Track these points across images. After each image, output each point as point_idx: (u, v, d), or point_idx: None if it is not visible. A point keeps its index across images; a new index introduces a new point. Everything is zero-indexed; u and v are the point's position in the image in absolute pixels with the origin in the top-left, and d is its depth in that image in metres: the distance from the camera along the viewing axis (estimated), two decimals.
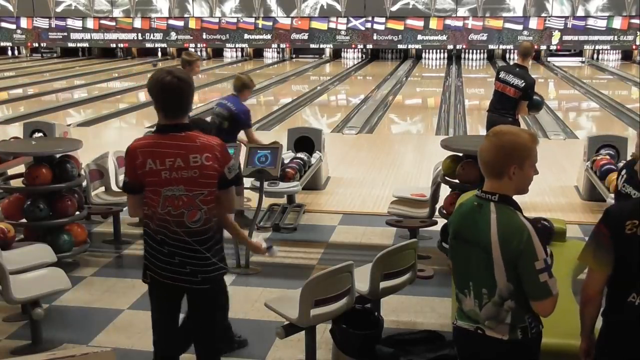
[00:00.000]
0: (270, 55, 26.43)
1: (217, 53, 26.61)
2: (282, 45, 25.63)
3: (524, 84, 6.93)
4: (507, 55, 24.29)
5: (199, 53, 26.63)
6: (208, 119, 6.43)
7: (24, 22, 27.12)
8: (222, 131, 6.16)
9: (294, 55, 26.05)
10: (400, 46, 24.96)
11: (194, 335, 3.32)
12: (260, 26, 25.41)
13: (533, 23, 23.81)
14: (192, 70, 6.48)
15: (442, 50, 24.80)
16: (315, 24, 25.00)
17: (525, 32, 23.81)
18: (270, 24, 25.31)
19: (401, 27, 24.55)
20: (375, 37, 24.85)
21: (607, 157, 6.84)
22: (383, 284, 3.98)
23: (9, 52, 27.90)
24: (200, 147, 3.03)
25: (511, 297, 2.46)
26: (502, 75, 7.17)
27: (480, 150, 2.52)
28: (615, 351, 2.48)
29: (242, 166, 5.60)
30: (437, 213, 5.70)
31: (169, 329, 3.32)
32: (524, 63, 7.11)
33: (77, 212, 5.51)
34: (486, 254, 2.45)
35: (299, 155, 7.11)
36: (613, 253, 2.43)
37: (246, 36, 25.60)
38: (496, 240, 2.42)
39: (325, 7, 24.91)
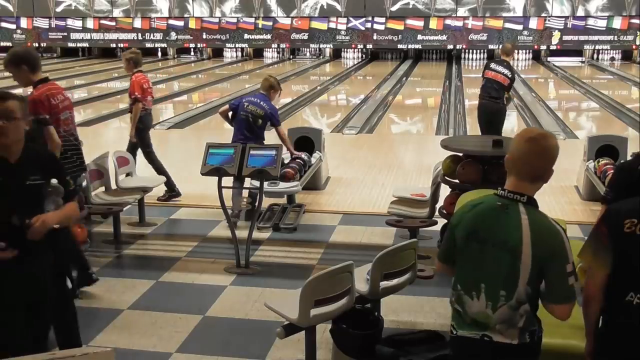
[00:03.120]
0: (270, 55, 26.43)
1: (217, 53, 26.61)
2: (282, 45, 25.63)
3: (511, 74, 8.28)
4: None
5: (199, 53, 26.71)
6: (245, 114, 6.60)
7: (24, 22, 27.13)
8: (254, 128, 6.59)
9: (291, 56, 26.04)
10: (400, 46, 24.96)
11: None
12: (260, 26, 25.40)
13: (533, 23, 23.81)
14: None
15: (442, 51, 24.83)
16: (315, 24, 25.00)
17: (525, 32, 23.82)
18: (270, 24, 25.31)
19: (401, 27, 24.55)
20: (375, 37, 24.85)
21: (608, 159, 6.89)
22: (383, 284, 3.98)
23: None
24: None
25: (528, 300, 2.44)
26: (492, 65, 8.42)
27: (520, 153, 2.47)
28: (614, 351, 2.47)
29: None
30: (437, 213, 5.70)
31: None
32: (507, 59, 8.47)
33: None
34: (512, 256, 2.41)
35: (300, 154, 7.10)
36: (612, 251, 2.42)
37: (246, 36, 25.60)
38: (528, 242, 2.39)
39: (325, 7, 24.91)
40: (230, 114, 6.73)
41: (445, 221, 5.47)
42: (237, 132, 6.63)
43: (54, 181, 3.23)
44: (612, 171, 6.54)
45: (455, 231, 2.58)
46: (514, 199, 2.45)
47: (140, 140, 7.03)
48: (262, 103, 6.63)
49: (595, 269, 2.49)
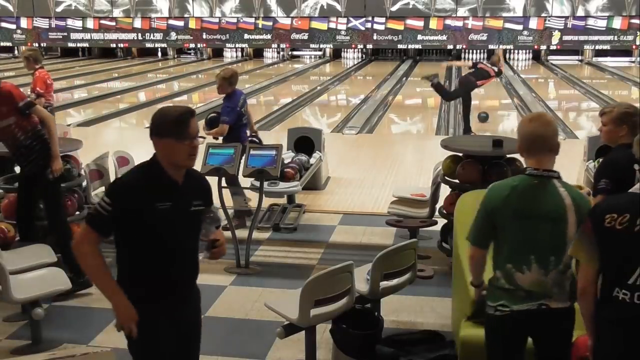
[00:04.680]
0: (270, 55, 26.43)
1: (217, 53, 26.61)
2: (282, 45, 25.63)
3: (498, 70, 10.91)
4: (507, 55, 24.30)
5: (199, 53, 26.71)
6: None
7: (24, 22, 27.12)
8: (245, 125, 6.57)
9: (289, 53, 26.03)
10: (400, 46, 24.97)
11: None
12: (260, 26, 25.41)
13: (533, 23, 23.82)
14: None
15: (442, 51, 24.83)
16: (315, 24, 25.00)
17: (525, 32, 23.82)
18: (270, 24, 25.31)
19: (401, 27, 24.55)
20: (375, 37, 24.85)
21: None
22: (383, 284, 3.98)
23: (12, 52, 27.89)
24: None
25: (571, 265, 2.68)
26: (484, 61, 12.06)
27: (532, 132, 2.75)
28: (607, 347, 2.48)
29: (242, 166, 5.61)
30: (437, 213, 5.70)
31: None
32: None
33: (77, 212, 5.50)
34: (559, 225, 2.67)
35: (298, 157, 7.08)
36: (597, 246, 2.47)
37: (246, 36, 25.60)
38: (572, 210, 2.67)
39: (325, 7, 24.91)
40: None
41: (445, 221, 5.49)
42: (244, 133, 6.57)
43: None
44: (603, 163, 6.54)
45: (496, 214, 2.75)
46: (547, 175, 2.72)
47: None
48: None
49: (585, 264, 2.54)
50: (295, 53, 26.33)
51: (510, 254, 2.74)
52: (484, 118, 11.88)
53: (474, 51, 24.55)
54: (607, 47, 23.73)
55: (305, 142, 7.57)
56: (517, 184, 2.73)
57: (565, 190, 2.72)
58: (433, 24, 24.34)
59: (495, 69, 10.91)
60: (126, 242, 2.77)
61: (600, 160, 6.88)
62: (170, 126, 2.64)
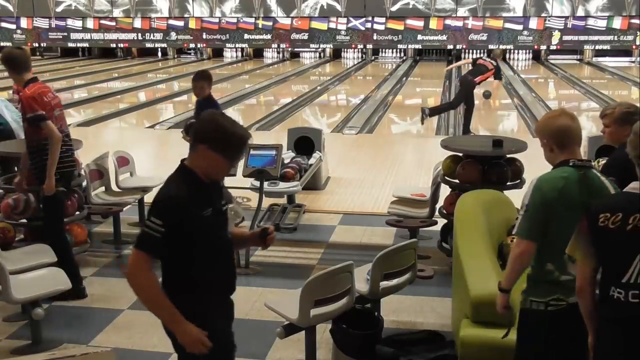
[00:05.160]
0: (270, 55, 26.42)
1: (217, 53, 26.61)
2: (282, 45, 25.63)
3: (496, 64, 11.20)
4: (507, 55, 24.30)
5: (199, 53, 26.72)
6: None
7: (24, 22, 27.13)
8: None
9: (288, 51, 26.04)
10: (400, 46, 24.96)
11: None
12: (260, 26, 25.40)
13: (533, 23, 23.81)
14: None
15: (442, 51, 24.83)
16: (315, 24, 25.00)
17: (525, 32, 23.82)
18: (270, 24, 25.31)
19: (401, 27, 24.55)
20: (375, 37, 24.85)
21: (607, 159, 6.87)
22: (383, 284, 3.98)
23: None
24: None
25: None
26: (484, 57, 12.20)
27: (564, 126, 2.82)
28: (607, 346, 2.49)
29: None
30: (437, 213, 5.70)
31: None
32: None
33: (77, 212, 5.50)
34: None
35: (297, 158, 7.06)
36: (593, 245, 2.48)
37: (246, 36, 25.60)
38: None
39: (325, 7, 24.90)
40: None
41: (445, 221, 5.49)
42: None
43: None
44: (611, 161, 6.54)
45: (554, 206, 2.73)
46: (587, 165, 2.80)
47: None
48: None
49: (581, 262, 2.54)
50: (296, 50, 26.24)
51: (565, 245, 2.64)
52: (487, 95, 12.84)
53: (474, 51, 24.52)
54: (607, 47, 23.73)
55: (305, 142, 7.57)
56: (568, 175, 2.76)
57: (604, 178, 2.80)
58: (433, 24, 24.34)
59: (494, 62, 11.09)
60: (178, 257, 2.62)
61: (600, 160, 6.91)
62: (229, 145, 2.60)
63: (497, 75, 11.32)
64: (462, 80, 11.49)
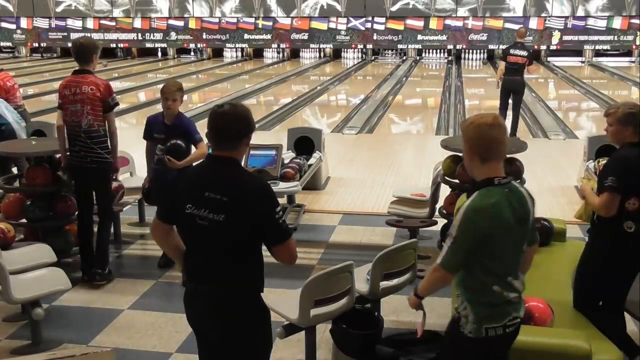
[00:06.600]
0: (270, 55, 26.43)
1: (217, 53, 26.60)
2: (282, 45, 25.63)
3: (527, 52, 10.90)
4: None
5: (199, 53, 26.72)
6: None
7: (24, 22, 27.13)
8: None
9: (287, 51, 26.03)
10: (400, 46, 24.97)
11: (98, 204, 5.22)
12: (260, 26, 25.41)
13: (533, 23, 23.80)
14: None
15: (442, 51, 24.82)
16: (315, 24, 25.00)
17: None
18: (270, 24, 25.31)
19: (401, 27, 24.56)
20: (375, 37, 24.85)
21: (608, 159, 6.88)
22: (383, 284, 3.98)
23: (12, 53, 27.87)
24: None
25: None
26: (511, 50, 10.99)
27: (501, 139, 2.68)
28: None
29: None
30: (437, 213, 5.70)
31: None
32: (522, 40, 11.30)
33: (77, 212, 5.50)
34: (528, 224, 2.73)
35: (296, 159, 7.05)
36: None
37: (246, 36, 25.60)
38: (532, 206, 2.73)
39: (325, 7, 24.91)
40: None
41: (445, 221, 5.49)
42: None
43: None
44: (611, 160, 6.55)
45: (492, 235, 2.62)
46: (509, 181, 2.68)
47: None
48: None
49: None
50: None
51: (505, 264, 2.69)
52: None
53: (474, 51, 24.55)
54: (607, 47, 23.72)
55: (305, 142, 7.57)
56: (497, 200, 2.62)
57: (523, 190, 2.74)
58: (433, 24, 24.34)
59: (524, 52, 10.84)
60: (256, 248, 2.88)
61: (601, 160, 6.91)
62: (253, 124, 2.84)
63: (531, 61, 11.07)
64: (513, 85, 10.92)
